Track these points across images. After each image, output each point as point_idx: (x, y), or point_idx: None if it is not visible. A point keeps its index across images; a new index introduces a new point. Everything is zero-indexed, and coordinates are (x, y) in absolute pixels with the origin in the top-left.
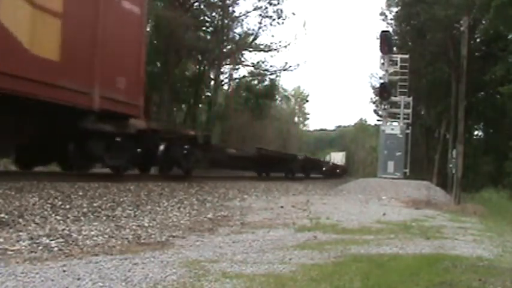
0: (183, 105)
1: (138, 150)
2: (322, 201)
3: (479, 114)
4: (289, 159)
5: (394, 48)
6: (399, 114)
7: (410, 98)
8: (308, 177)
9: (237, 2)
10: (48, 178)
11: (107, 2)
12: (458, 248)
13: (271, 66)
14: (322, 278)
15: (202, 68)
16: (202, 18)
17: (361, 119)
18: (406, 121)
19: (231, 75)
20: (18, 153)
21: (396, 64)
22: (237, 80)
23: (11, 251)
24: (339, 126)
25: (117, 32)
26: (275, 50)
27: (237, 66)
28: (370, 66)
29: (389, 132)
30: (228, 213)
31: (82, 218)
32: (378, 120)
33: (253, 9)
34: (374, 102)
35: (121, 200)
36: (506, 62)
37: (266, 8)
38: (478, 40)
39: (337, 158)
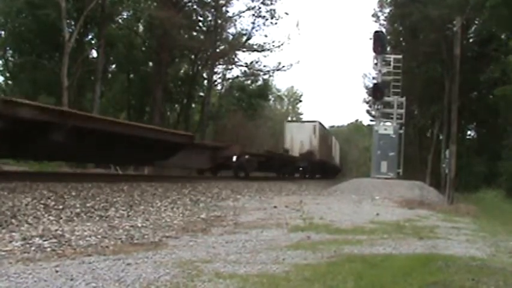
0: (176, 105)
1: None
2: (316, 201)
3: (472, 115)
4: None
5: (388, 49)
6: (392, 114)
7: (404, 98)
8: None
9: (231, 2)
10: (41, 178)
11: None
12: (451, 248)
13: (264, 66)
14: (315, 278)
15: (195, 67)
16: (195, 18)
17: (356, 120)
18: (399, 121)
19: (224, 75)
20: None
21: (389, 64)
22: (230, 80)
23: (4, 251)
24: (332, 126)
25: None
26: (268, 50)
27: (230, 66)
28: (364, 67)
29: (382, 132)
30: (221, 214)
31: (75, 218)
32: (371, 121)
33: (247, 9)
34: (367, 103)
35: (114, 200)
36: (500, 63)
37: (259, 8)
38: (471, 40)
39: (301, 137)
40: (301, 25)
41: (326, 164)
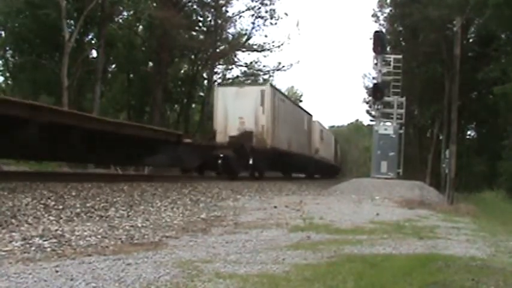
0: (176, 105)
1: None
2: (316, 201)
3: (472, 114)
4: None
5: (388, 49)
6: (392, 114)
7: (404, 98)
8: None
9: (231, 2)
10: (41, 178)
11: None
12: (451, 248)
13: (264, 66)
14: (315, 278)
15: (195, 67)
16: (195, 18)
17: (357, 120)
18: (399, 121)
19: (224, 75)
20: None
21: (389, 64)
22: (230, 80)
23: (4, 251)
24: (333, 126)
25: None
26: (268, 50)
27: (230, 66)
28: (364, 67)
29: (382, 132)
30: (221, 214)
31: (75, 218)
32: (371, 121)
33: (246, 10)
34: (367, 103)
35: (114, 200)
36: (500, 63)
37: (259, 8)
38: (470, 40)
39: (240, 111)
40: (301, 25)
41: (294, 157)
